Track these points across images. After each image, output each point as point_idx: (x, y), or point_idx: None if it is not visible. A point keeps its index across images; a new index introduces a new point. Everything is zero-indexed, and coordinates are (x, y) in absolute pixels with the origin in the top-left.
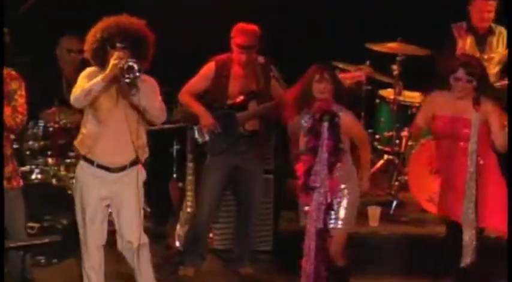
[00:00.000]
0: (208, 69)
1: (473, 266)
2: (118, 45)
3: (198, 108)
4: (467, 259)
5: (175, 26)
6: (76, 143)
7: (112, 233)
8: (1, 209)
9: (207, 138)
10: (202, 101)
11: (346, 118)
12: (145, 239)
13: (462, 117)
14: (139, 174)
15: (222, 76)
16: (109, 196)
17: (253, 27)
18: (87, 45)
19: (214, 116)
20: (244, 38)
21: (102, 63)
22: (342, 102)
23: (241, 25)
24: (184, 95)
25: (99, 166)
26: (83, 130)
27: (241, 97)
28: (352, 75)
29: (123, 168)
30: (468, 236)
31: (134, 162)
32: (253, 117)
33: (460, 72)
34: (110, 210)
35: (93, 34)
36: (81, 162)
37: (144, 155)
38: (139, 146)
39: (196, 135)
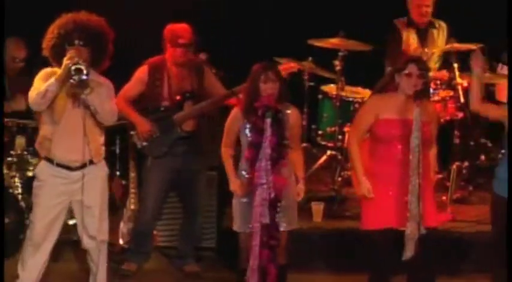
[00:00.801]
0: (142, 72)
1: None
2: (76, 42)
3: (134, 116)
4: (409, 252)
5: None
6: (36, 145)
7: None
8: (1, 208)
9: (145, 143)
10: (138, 105)
11: (294, 115)
12: (106, 235)
13: (410, 119)
14: (101, 169)
15: (156, 78)
16: (70, 195)
17: (188, 26)
18: (45, 43)
19: (151, 119)
20: (187, 36)
21: (60, 61)
22: (286, 99)
23: (177, 25)
24: (120, 102)
25: (59, 165)
26: (40, 132)
27: (177, 98)
28: (286, 66)
29: (83, 166)
30: (410, 230)
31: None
32: (190, 117)
33: (411, 68)
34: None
35: (51, 31)
36: (42, 161)
37: (98, 156)
38: (93, 147)
39: (135, 140)
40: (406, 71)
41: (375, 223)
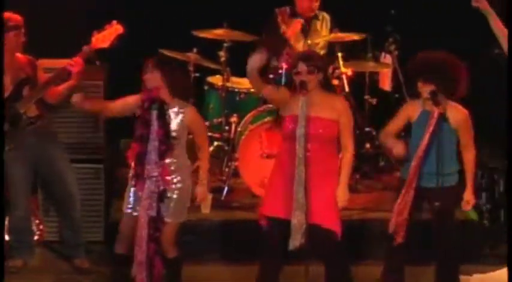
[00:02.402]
0: None
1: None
2: None
3: None
4: (295, 242)
5: None
6: None
7: None
8: (1, 208)
9: None
10: None
11: (191, 113)
12: None
13: (310, 115)
14: None
15: None
16: None
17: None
18: None
19: None
20: (15, 18)
21: None
22: (178, 94)
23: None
24: None
25: None
26: None
27: (12, 87)
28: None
29: None
30: (297, 220)
31: None
32: (30, 102)
33: (300, 66)
34: None
35: None
36: None
37: None
38: None
39: None
40: (296, 70)
41: (268, 211)
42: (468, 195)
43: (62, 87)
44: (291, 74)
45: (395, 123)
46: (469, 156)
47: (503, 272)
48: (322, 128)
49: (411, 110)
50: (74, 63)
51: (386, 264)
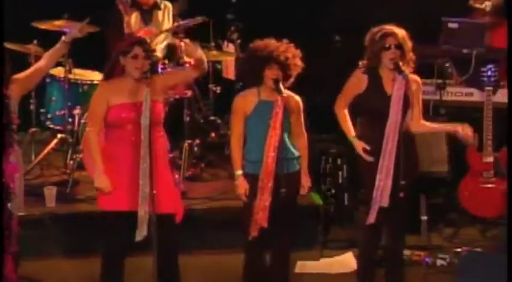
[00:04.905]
0: None
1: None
2: None
3: None
4: (142, 232)
5: None
6: None
7: None
8: (0, 208)
9: None
10: None
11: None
12: None
13: (141, 101)
14: None
15: None
16: None
17: None
18: None
19: None
20: None
21: None
22: None
23: None
24: None
25: None
26: None
27: None
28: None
29: None
30: (144, 211)
31: None
32: None
33: (137, 50)
34: None
35: None
36: None
37: None
38: None
39: None
40: (132, 54)
41: (108, 204)
42: (304, 180)
43: None
44: None
45: (238, 126)
46: (303, 141)
47: (348, 256)
48: (158, 111)
49: (244, 103)
50: None
51: (245, 252)
